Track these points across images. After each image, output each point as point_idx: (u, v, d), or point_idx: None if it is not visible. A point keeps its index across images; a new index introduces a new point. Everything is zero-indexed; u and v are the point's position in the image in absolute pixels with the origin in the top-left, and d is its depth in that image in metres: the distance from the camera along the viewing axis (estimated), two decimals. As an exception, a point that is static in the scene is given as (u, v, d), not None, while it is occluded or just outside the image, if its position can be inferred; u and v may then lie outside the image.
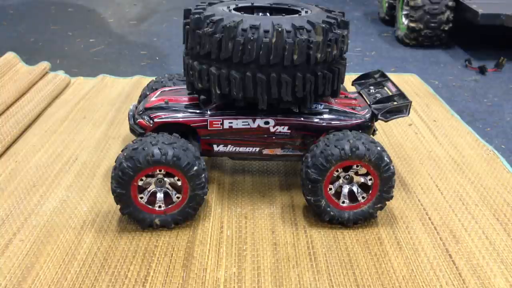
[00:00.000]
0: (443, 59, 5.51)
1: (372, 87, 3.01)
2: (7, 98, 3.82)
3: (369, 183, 2.49)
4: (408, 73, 4.94)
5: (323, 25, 2.39)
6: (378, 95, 2.89)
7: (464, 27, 6.07)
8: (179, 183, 2.43)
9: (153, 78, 3.36)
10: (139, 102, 3.11)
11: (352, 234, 2.53)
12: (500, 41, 5.93)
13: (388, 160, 2.44)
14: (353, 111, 2.73)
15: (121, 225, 2.57)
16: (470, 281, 2.24)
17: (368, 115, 2.73)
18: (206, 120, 2.64)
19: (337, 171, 2.46)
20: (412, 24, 5.68)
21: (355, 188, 2.54)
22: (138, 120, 2.73)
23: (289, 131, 2.66)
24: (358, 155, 2.40)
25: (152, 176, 2.44)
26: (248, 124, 2.63)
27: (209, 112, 2.66)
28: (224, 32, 2.35)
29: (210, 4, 2.69)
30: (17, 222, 2.58)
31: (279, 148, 2.71)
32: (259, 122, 2.63)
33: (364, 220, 2.57)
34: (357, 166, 2.46)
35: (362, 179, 2.52)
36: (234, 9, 2.63)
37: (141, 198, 2.45)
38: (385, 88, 2.98)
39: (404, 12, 6.00)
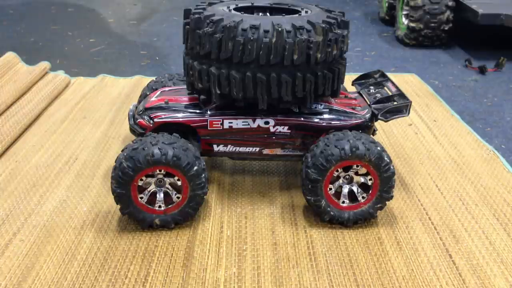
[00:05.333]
0: (443, 59, 5.50)
1: (372, 87, 3.01)
2: (7, 98, 3.82)
3: (369, 183, 2.49)
4: (408, 73, 4.94)
5: (323, 25, 2.39)
6: (378, 95, 2.89)
7: (464, 27, 6.07)
8: (179, 183, 2.43)
9: (153, 78, 3.35)
10: (139, 102, 3.10)
11: (352, 234, 2.53)
12: (500, 41, 5.93)
13: (388, 160, 2.44)
14: (353, 111, 2.73)
15: (121, 225, 2.57)
16: (470, 281, 2.24)
17: (368, 115, 2.73)
18: (206, 120, 2.64)
19: (337, 171, 2.46)
20: (412, 24, 5.68)
21: (355, 188, 2.54)
22: (138, 120, 2.73)
23: (289, 131, 2.66)
24: (358, 155, 2.40)
25: (152, 176, 2.44)
26: (248, 124, 2.63)
27: (209, 112, 2.66)
28: (224, 32, 2.35)
29: (210, 4, 2.70)
30: (17, 222, 2.58)
31: (279, 148, 2.71)
32: (259, 122, 2.63)
33: (364, 220, 2.57)
34: (357, 166, 2.46)
35: (362, 179, 2.52)
36: (234, 9, 2.63)
37: (141, 198, 2.45)
38: (385, 88, 2.98)
39: (404, 12, 6.00)
